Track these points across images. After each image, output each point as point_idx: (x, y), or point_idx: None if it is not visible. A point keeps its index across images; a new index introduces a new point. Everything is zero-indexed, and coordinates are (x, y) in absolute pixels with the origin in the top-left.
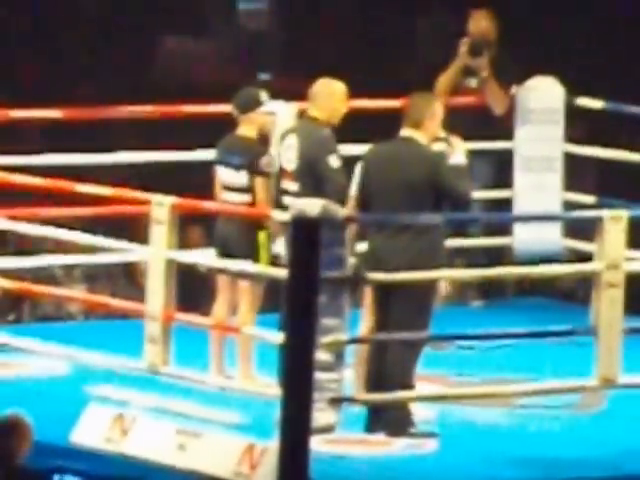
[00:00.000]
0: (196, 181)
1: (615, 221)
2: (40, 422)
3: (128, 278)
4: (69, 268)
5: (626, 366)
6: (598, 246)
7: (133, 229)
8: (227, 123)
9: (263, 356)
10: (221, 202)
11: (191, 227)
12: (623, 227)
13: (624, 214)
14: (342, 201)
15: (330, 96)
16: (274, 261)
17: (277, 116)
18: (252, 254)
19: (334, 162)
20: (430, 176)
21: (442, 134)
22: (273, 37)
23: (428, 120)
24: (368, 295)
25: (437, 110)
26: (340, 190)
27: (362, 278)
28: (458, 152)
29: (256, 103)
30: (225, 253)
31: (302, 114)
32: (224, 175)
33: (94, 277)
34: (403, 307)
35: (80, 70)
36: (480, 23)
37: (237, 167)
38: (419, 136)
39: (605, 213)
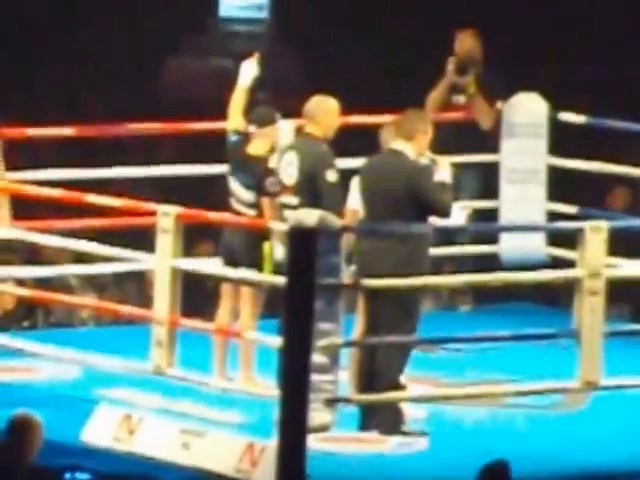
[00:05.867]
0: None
1: (596, 232)
2: (53, 423)
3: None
4: (81, 277)
5: (608, 368)
6: (580, 255)
7: (142, 238)
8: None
9: (263, 359)
10: (234, 212)
11: (201, 240)
12: (603, 237)
13: (604, 225)
14: (339, 213)
15: (327, 113)
16: (278, 270)
17: (280, 132)
18: (257, 264)
19: (331, 177)
20: (411, 188)
21: (429, 154)
22: (270, 57)
23: (421, 134)
24: (361, 300)
25: (429, 128)
26: (336, 203)
27: (357, 285)
28: (444, 170)
29: (273, 119)
30: (231, 262)
31: (299, 131)
32: (234, 188)
33: (104, 285)
34: (390, 311)
35: (89, 88)
36: (466, 43)
37: (245, 186)
38: (408, 149)
39: (586, 224)
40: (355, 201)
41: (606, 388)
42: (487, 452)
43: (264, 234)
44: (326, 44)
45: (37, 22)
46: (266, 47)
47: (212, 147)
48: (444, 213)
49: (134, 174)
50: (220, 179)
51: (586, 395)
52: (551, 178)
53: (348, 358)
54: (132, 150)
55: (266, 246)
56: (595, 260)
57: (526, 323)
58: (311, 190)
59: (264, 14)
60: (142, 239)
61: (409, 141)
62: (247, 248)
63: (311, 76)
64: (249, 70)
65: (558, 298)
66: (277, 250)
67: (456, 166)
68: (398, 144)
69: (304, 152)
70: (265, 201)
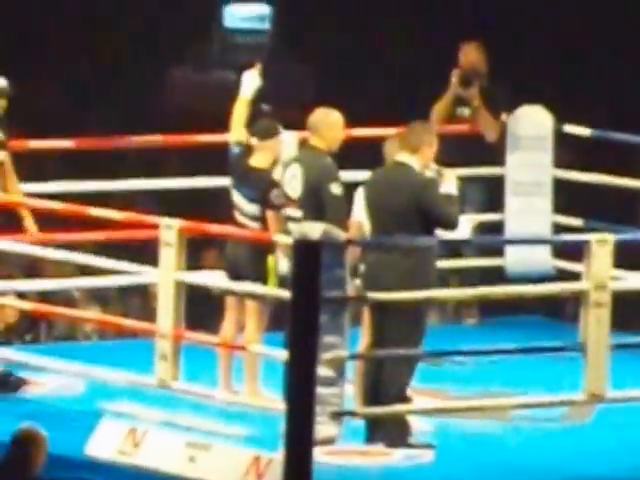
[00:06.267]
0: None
1: (602, 244)
2: (57, 436)
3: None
4: (84, 290)
5: (614, 380)
6: (586, 268)
7: (145, 251)
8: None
9: (269, 372)
10: (238, 224)
11: (208, 250)
12: (609, 250)
13: (610, 237)
14: (343, 226)
15: (331, 126)
16: (282, 283)
17: (283, 145)
18: (261, 277)
19: (336, 189)
20: (417, 201)
21: (434, 166)
22: (273, 68)
23: (426, 147)
24: (367, 313)
25: (434, 140)
26: (340, 216)
27: (362, 298)
28: (449, 182)
29: (275, 131)
30: (235, 275)
31: (303, 143)
32: (238, 201)
33: (107, 298)
34: (396, 323)
35: (90, 102)
36: (470, 55)
37: (249, 199)
38: (414, 161)
39: (592, 236)
40: (359, 213)
41: (612, 400)
42: (493, 465)
43: (268, 247)
44: (329, 55)
45: (37, 33)
46: (269, 58)
47: (214, 159)
48: (450, 226)
49: (136, 187)
50: (222, 191)
51: (592, 407)
52: (574, 191)
53: (354, 371)
54: (134, 163)
55: (270, 260)
56: (601, 273)
57: (532, 336)
58: (315, 203)
59: (266, 25)
60: (144, 252)
61: (414, 153)
62: (251, 261)
63: (315, 87)
64: (251, 81)
65: (564, 311)
66: (281, 263)
67: (461, 179)
68: (403, 156)
69: (308, 165)
70: (270, 214)
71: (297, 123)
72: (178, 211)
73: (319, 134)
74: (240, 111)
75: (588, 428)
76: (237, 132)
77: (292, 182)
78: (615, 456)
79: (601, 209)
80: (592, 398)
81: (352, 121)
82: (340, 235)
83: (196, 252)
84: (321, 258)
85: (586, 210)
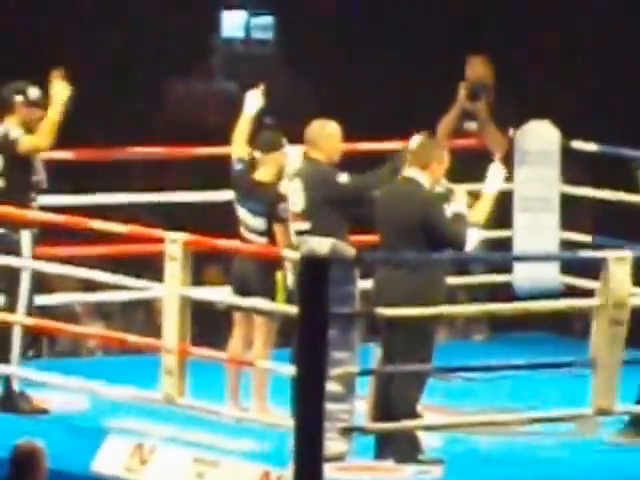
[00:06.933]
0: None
1: (620, 262)
2: (63, 453)
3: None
4: (87, 305)
5: (622, 395)
6: (602, 285)
7: (150, 266)
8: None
9: (277, 389)
10: (244, 240)
11: (208, 266)
12: (628, 267)
13: (628, 255)
14: (368, 209)
15: (328, 137)
16: (291, 299)
17: (288, 159)
18: (269, 293)
19: (342, 179)
20: (422, 217)
21: (445, 183)
22: (276, 81)
23: (436, 163)
24: None
25: (444, 156)
26: (359, 202)
27: (370, 314)
28: (459, 200)
29: (279, 144)
30: (243, 291)
31: (305, 156)
32: (243, 216)
33: (111, 314)
34: (404, 340)
35: (92, 114)
36: (477, 69)
37: (254, 213)
38: (423, 177)
39: (610, 254)
40: None
41: (620, 415)
42: (502, 479)
43: (276, 262)
44: (332, 65)
45: (38, 41)
46: (272, 69)
47: (217, 171)
48: (456, 245)
49: (138, 200)
50: (225, 205)
51: (600, 423)
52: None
53: (368, 387)
54: (135, 175)
55: (279, 275)
56: (620, 290)
57: (541, 352)
58: (325, 209)
59: (269, 35)
60: (146, 266)
61: (424, 169)
62: (259, 277)
63: (319, 99)
64: (254, 101)
65: (572, 327)
66: (290, 279)
67: (468, 194)
68: (412, 172)
69: (309, 178)
70: (278, 228)
71: (298, 137)
72: (180, 225)
73: (317, 146)
74: (242, 128)
75: (596, 443)
76: (239, 148)
77: (294, 196)
78: (623, 471)
79: (609, 225)
80: (600, 413)
81: (353, 135)
82: (348, 250)
83: (197, 268)
84: (329, 274)
85: (593, 226)
